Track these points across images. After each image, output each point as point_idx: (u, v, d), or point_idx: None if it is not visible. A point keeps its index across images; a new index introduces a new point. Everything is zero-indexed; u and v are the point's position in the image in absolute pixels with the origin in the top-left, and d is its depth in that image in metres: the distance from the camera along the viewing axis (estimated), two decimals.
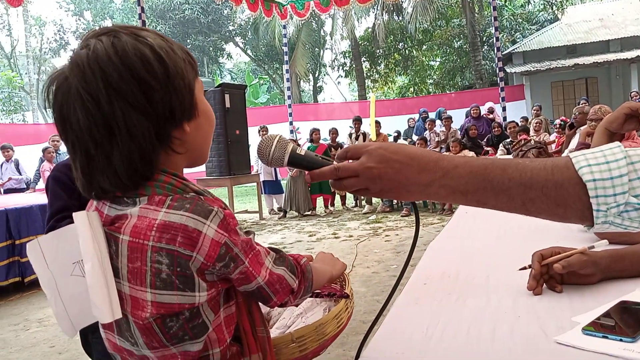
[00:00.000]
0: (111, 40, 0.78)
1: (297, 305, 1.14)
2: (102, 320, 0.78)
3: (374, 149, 0.74)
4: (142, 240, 0.77)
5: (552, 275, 1.08)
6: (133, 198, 0.80)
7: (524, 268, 1.12)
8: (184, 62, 0.82)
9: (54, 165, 7.77)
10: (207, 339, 0.82)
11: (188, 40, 27.08)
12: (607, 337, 0.80)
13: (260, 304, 0.92)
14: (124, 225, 0.79)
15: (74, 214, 0.80)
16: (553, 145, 7.57)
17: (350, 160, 0.75)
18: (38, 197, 6.18)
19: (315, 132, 9.59)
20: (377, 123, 10.13)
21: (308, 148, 9.73)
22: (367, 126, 10.43)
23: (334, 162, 0.78)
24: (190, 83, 0.83)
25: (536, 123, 9.07)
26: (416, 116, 12.93)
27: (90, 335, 1.96)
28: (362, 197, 9.48)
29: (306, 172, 0.82)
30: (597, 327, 0.83)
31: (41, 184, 8.97)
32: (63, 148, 9.32)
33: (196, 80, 0.85)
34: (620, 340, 0.79)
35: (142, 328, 0.80)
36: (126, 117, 0.76)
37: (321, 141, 9.64)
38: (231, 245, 0.79)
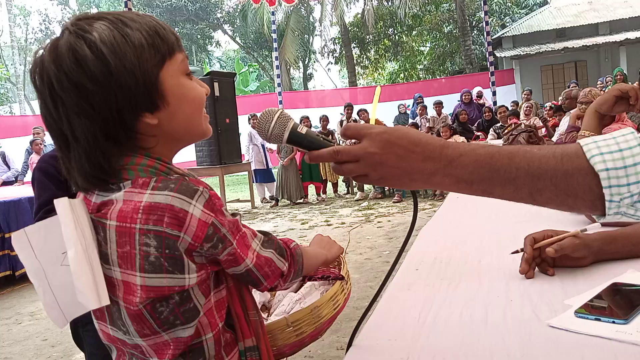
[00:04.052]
0: (55, 43, 0.76)
1: (294, 291, 1.14)
2: (87, 306, 0.77)
3: (378, 133, 0.69)
4: (129, 223, 0.76)
5: (544, 258, 1.08)
6: (117, 183, 0.79)
7: (516, 252, 1.12)
8: (142, 49, 0.76)
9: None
10: (198, 324, 0.81)
11: (176, 29, 26.75)
12: (599, 320, 0.80)
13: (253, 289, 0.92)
14: (110, 211, 0.78)
15: (55, 201, 0.79)
16: (543, 129, 7.59)
17: (352, 142, 0.71)
18: (27, 190, 6.12)
19: (304, 119, 9.55)
20: (365, 111, 10.08)
21: None
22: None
23: (335, 144, 0.75)
24: (148, 74, 0.77)
25: (526, 107, 9.08)
26: (406, 102, 12.89)
27: (81, 328, 1.94)
28: (355, 184, 9.48)
29: (305, 151, 0.78)
30: (589, 310, 0.83)
31: (29, 176, 8.88)
32: (48, 139, 9.23)
33: (168, 62, 0.79)
34: (613, 322, 0.79)
35: (132, 314, 0.79)
36: (71, 122, 0.76)
37: (312, 129, 9.59)
38: (219, 226, 0.78)
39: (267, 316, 1.13)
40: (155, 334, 0.80)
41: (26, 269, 0.84)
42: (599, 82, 11.86)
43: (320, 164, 9.37)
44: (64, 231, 0.77)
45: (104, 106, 0.74)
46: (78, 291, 0.76)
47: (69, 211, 0.77)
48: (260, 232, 0.88)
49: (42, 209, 1.90)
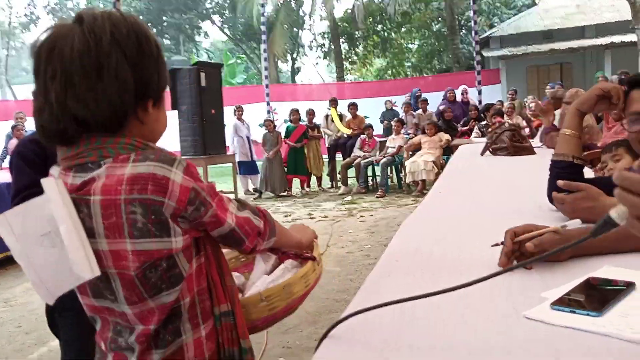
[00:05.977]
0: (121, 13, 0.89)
1: (268, 273, 1.19)
2: (83, 276, 0.82)
3: None
4: (113, 196, 0.82)
5: (523, 252, 1.08)
6: (97, 162, 0.84)
7: (497, 244, 1.13)
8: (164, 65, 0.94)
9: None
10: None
11: (164, 17, 26.47)
12: (575, 312, 0.81)
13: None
14: (93, 187, 0.83)
15: (42, 180, 0.84)
16: (527, 129, 7.66)
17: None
18: (5, 175, 6.00)
19: (294, 112, 9.53)
20: (354, 105, 10.09)
21: (287, 128, 9.66)
22: (345, 109, 10.39)
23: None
24: (165, 78, 0.95)
25: (508, 107, 9.18)
26: (393, 98, 12.92)
27: (56, 314, 1.92)
28: (339, 178, 9.46)
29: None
30: (565, 303, 0.84)
31: (8, 162, 8.71)
32: (29, 125, 9.06)
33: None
34: (588, 314, 0.79)
35: (125, 280, 0.85)
36: (119, 63, 0.84)
37: (300, 122, 9.56)
38: (199, 190, 0.85)
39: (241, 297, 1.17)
40: (142, 301, 0.86)
41: (11, 251, 0.88)
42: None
43: (306, 156, 9.35)
44: (54, 209, 0.81)
45: (142, 71, 0.90)
46: (73, 263, 0.81)
47: (56, 190, 0.82)
48: (233, 199, 0.96)
49: (19, 194, 1.86)
